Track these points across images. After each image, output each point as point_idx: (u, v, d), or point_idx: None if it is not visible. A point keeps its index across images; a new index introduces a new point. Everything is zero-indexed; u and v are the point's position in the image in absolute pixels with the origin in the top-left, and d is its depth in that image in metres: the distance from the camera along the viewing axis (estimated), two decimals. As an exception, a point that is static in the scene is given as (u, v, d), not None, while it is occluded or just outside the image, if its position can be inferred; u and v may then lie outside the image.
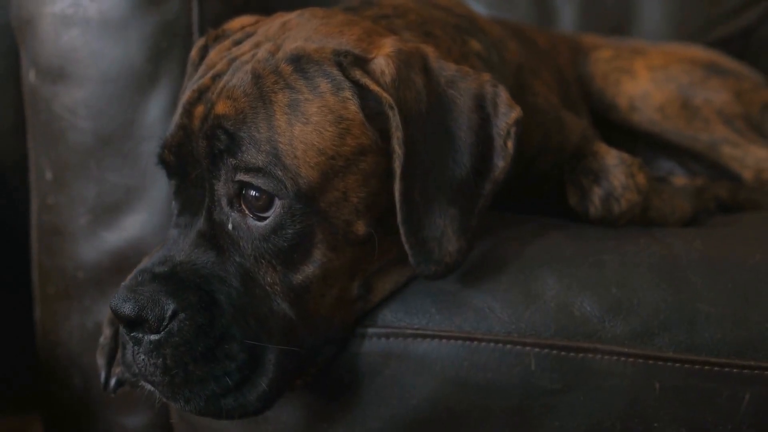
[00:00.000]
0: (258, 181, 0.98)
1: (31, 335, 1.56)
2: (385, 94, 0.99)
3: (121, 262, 1.40)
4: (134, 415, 1.46)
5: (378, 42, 1.05)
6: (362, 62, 1.01)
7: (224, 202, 1.01)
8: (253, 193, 0.99)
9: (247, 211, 1.00)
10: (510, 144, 1.04)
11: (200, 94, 1.04)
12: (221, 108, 1.01)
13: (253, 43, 1.08)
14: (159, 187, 1.39)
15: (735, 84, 1.66)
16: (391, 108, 0.98)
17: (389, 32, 1.12)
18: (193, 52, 1.18)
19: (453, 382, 1.06)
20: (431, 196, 1.00)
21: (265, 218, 0.99)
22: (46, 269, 1.47)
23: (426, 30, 1.19)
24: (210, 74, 1.06)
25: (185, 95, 1.07)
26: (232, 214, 1.01)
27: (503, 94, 1.06)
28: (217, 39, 1.16)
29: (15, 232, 1.68)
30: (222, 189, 1.01)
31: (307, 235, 0.99)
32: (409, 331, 1.07)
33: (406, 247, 1.00)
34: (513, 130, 1.04)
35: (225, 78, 1.04)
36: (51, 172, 1.42)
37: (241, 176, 0.99)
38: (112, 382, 1.12)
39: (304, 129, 0.99)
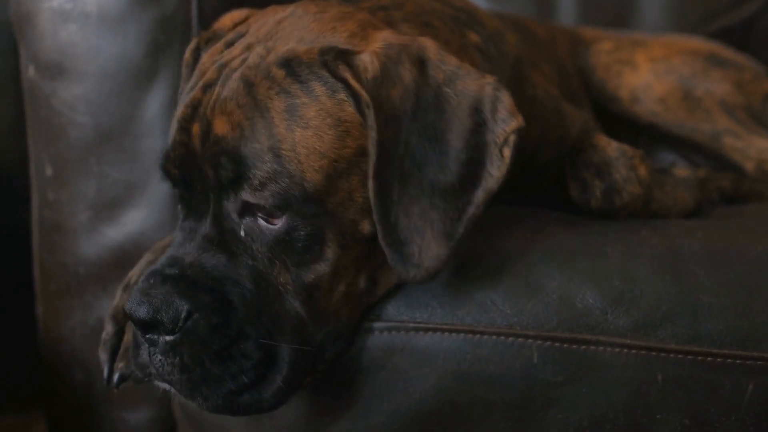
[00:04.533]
0: (266, 200, 0.98)
1: (33, 332, 1.56)
2: (362, 92, 0.97)
3: (122, 258, 1.39)
4: (137, 410, 1.46)
5: (372, 36, 1.04)
6: (347, 57, 1.00)
7: (234, 215, 1.01)
8: (262, 205, 0.99)
9: (258, 216, 1.00)
10: (507, 152, 1.00)
11: (194, 109, 1.03)
12: (218, 127, 1.00)
13: (245, 45, 1.06)
14: (159, 183, 1.39)
15: (736, 75, 1.66)
16: (368, 107, 0.97)
17: (386, 25, 1.10)
18: (187, 55, 1.16)
19: (455, 376, 1.05)
20: (412, 198, 0.98)
21: (277, 222, 0.99)
22: (47, 266, 1.47)
23: (424, 21, 1.18)
24: (200, 84, 1.04)
25: (179, 110, 1.05)
26: (244, 221, 1.01)
27: (505, 100, 1.02)
28: (209, 41, 1.14)
29: (16, 229, 1.68)
30: (232, 206, 1.01)
31: (318, 236, 0.99)
32: (411, 325, 1.07)
33: (383, 246, 0.98)
34: (511, 138, 1.00)
35: (216, 89, 1.02)
36: (51, 168, 1.42)
37: (248, 196, 0.98)
38: (115, 377, 1.12)
39: (304, 134, 0.98)
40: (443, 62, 1.03)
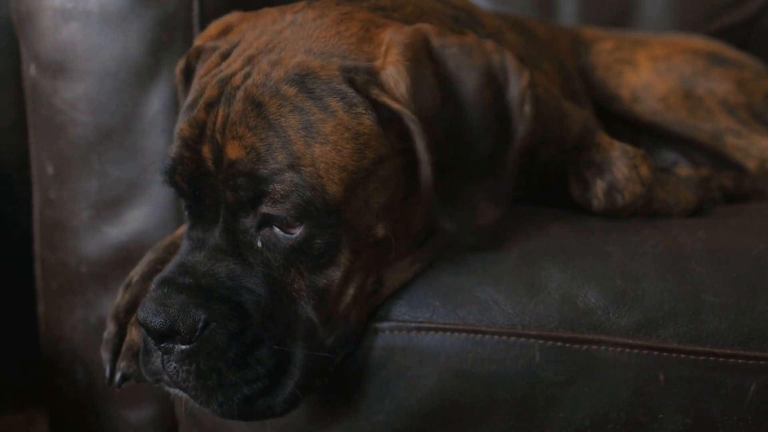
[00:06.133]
0: (287, 211, 0.98)
1: (34, 330, 1.56)
2: (405, 110, 0.98)
3: (124, 257, 1.39)
4: (139, 409, 1.46)
5: (378, 38, 1.03)
6: (374, 76, 1.00)
7: (253, 230, 1.01)
8: (282, 216, 0.99)
9: (275, 226, 1.00)
10: (527, 108, 1.04)
11: (200, 130, 1.02)
12: (232, 152, 0.99)
13: (245, 58, 1.04)
14: (160, 182, 1.39)
15: (737, 74, 1.65)
16: (414, 122, 0.98)
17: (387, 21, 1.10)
18: (177, 75, 1.16)
19: (457, 375, 1.05)
20: (462, 181, 1.02)
21: (294, 231, 0.99)
22: (49, 264, 1.47)
23: (424, 22, 1.18)
24: (202, 104, 1.02)
25: (181, 126, 1.04)
26: (261, 232, 1.01)
27: (510, 61, 1.05)
28: (201, 54, 1.12)
29: (17, 228, 1.68)
30: (250, 222, 1.01)
31: (334, 243, 1.00)
32: (413, 325, 1.07)
33: (446, 228, 1.03)
34: (528, 93, 1.04)
35: (221, 110, 1.01)
36: (52, 166, 1.42)
37: (267, 209, 0.98)
38: (117, 377, 1.12)
39: (323, 149, 0.99)
40: (447, 45, 1.04)
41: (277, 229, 1.00)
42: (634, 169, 1.23)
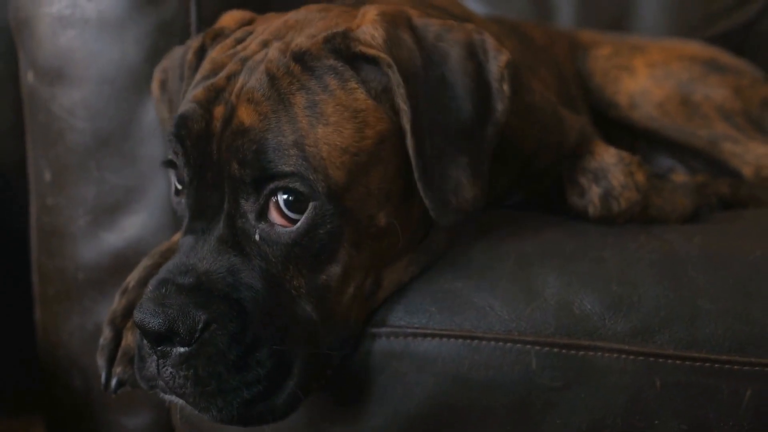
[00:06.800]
0: (294, 184, 0.98)
1: (31, 336, 1.56)
2: (382, 54, 1.00)
3: (121, 263, 1.39)
4: (135, 415, 1.46)
5: (363, 14, 1.06)
6: (351, 34, 1.02)
7: (252, 216, 1.00)
8: (286, 197, 0.98)
9: (276, 221, 0.99)
10: (506, 86, 1.06)
11: (217, 93, 1.03)
12: (244, 115, 0.99)
13: (261, 41, 1.07)
14: (158, 188, 1.39)
15: (734, 80, 1.66)
16: (390, 66, 1.00)
17: None
18: (190, 55, 1.16)
19: (454, 381, 1.05)
20: (441, 148, 1.02)
21: (295, 222, 0.99)
22: (46, 270, 1.47)
23: None
24: (223, 74, 1.04)
25: (195, 93, 1.04)
26: (260, 225, 1.00)
27: (489, 40, 1.08)
28: (216, 39, 1.15)
29: (15, 233, 1.68)
30: (250, 206, 1.00)
31: (335, 236, 0.99)
32: (410, 331, 1.07)
33: (426, 201, 1.01)
34: (506, 72, 1.06)
35: (241, 78, 1.02)
36: (50, 173, 1.42)
37: (276, 182, 0.98)
38: (113, 382, 1.11)
39: (325, 130, 0.99)
40: (428, 24, 1.07)
41: (277, 226, 0.99)
42: (629, 175, 1.23)
